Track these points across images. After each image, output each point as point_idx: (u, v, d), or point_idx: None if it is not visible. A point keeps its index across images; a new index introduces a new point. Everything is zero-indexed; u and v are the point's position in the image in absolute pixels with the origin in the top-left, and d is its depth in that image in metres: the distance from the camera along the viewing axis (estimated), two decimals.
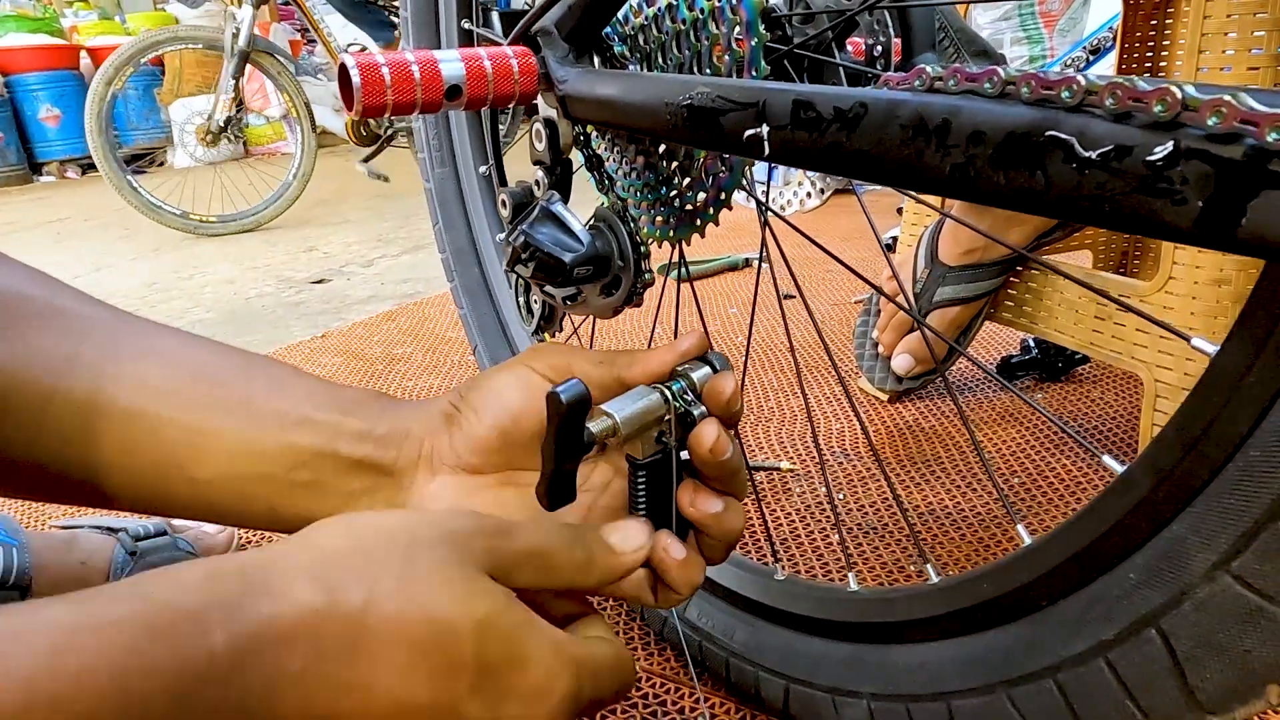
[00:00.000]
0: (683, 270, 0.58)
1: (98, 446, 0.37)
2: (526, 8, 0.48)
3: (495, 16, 0.64)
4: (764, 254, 0.55)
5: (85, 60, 5.34)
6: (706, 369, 0.39)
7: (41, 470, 0.36)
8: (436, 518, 0.32)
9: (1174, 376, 0.70)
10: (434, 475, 0.40)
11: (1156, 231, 0.25)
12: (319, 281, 2.00)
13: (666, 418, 0.37)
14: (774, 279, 0.57)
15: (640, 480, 0.38)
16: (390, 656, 0.28)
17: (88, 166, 5.31)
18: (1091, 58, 1.68)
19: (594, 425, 0.36)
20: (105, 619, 0.23)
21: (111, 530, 0.71)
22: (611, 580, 0.36)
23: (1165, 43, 0.98)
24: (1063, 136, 0.27)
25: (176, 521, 0.74)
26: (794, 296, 1.39)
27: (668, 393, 0.37)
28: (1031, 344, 1.06)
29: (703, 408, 0.37)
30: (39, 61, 5.02)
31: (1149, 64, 1.00)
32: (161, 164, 5.27)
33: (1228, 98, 0.23)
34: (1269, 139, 0.22)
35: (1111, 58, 1.31)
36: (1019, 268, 0.88)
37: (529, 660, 0.30)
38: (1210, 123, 0.23)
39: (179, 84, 5.14)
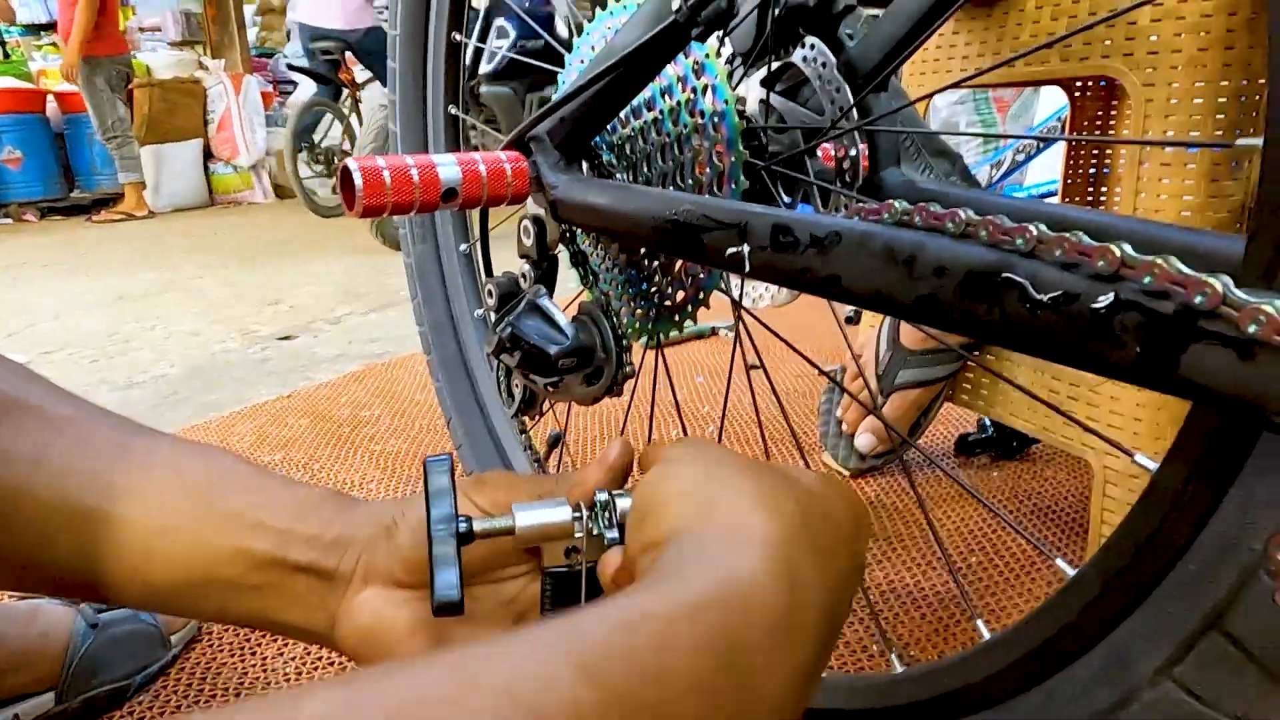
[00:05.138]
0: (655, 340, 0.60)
1: (57, 546, 0.38)
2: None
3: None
4: (737, 347, 0.58)
5: (52, 104, 5.32)
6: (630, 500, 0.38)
7: (10, 565, 0.37)
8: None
9: (1121, 464, 0.73)
10: (365, 585, 0.41)
11: (1101, 370, 0.28)
12: (285, 338, 2.00)
13: (578, 535, 0.39)
14: (744, 356, 0.59)
15: (547, 587, 0.39)
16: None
17: (47, 210, 5.24)
18: (1040, 145, 1.77)
19: (494, 522, 0.37)
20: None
21: (73, 602, 0.70)
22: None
23: (1110, 132, 1.04)
24: (1018, 279, 0.30)
25: None
26: (759, 367, 1.42)
27: (582, 513, 0.39)
28: (988, 422, 1.10)
29: (615, 534, 0.38)
30: (4, 104, 4.98)
31: (1095, 156, 1.07)
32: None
33: (1161, 261, 0.26)
34: (1195, 300, 0.25)
35: (1061, 147, 1.39)
36: (976, 352, 0.92)
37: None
38: (1146, 281, 0.26)
39: (144, 130, 5.12)
